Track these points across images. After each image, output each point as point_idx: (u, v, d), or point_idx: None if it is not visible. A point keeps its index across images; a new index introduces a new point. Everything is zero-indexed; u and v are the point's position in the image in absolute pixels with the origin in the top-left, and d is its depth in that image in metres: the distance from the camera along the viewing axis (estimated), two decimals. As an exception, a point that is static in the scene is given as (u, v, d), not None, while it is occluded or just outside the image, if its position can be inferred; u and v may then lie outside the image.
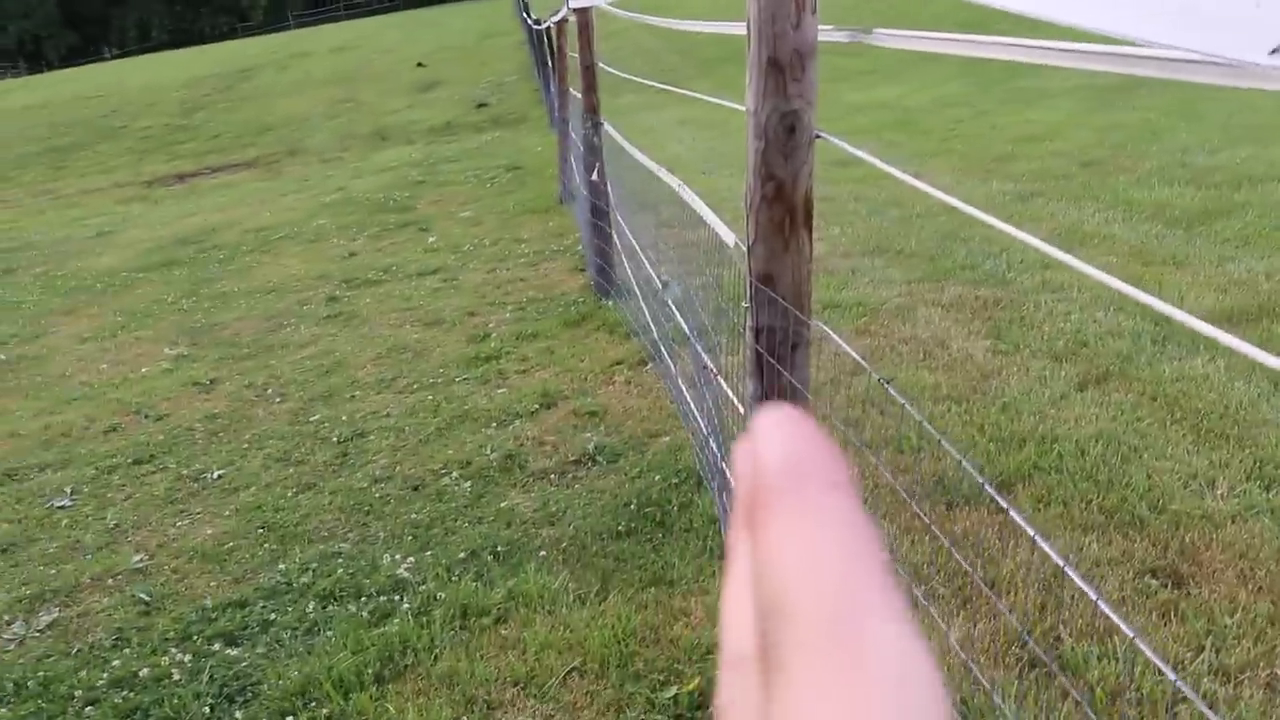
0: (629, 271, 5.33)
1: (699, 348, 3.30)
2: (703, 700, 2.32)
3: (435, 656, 2.68)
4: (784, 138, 1.64)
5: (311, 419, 4.61)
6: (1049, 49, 1.15)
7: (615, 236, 5.59)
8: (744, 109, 1.69)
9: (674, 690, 2.37)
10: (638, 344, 4.90)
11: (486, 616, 2.82)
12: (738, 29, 2.23)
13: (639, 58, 16.47)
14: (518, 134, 14.90)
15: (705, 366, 3.04)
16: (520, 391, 4.57)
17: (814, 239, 1.72)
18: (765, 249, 1.70)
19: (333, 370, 5.22)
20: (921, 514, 2.74)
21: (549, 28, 11.96)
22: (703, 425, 3.30)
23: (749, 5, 1.63)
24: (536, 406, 4.37)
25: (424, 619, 2.84)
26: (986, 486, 1.49)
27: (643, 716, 2.32)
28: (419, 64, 22.41)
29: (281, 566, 3.30)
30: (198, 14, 55.66)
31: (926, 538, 2.87)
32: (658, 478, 3.48)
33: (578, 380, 4.62)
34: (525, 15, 18.64)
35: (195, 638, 2.99)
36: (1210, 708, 2.03)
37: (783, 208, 1.68)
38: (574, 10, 5.22)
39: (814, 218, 1.70)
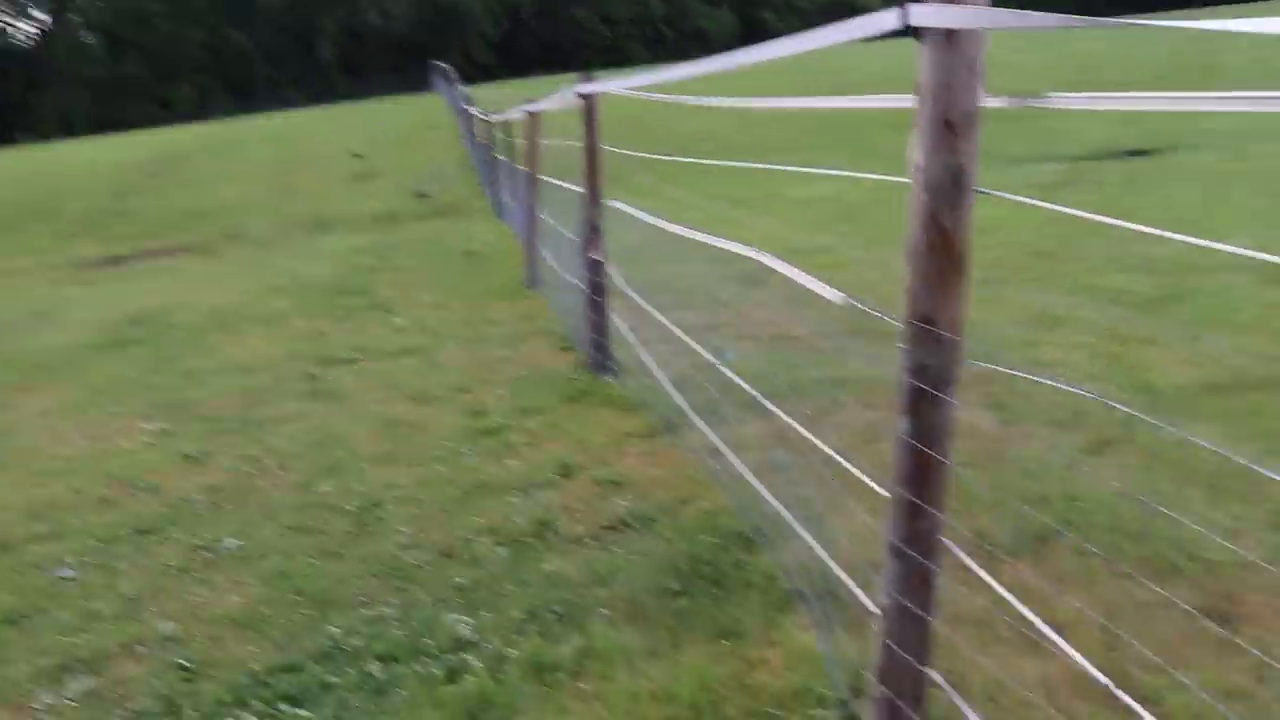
0: (638, 347, 5.45)
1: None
2: (807, 741, 2.39)
3: (518, 710, 2.69)
4: (952, 191, 1.80)
5: (319, 490, 4.58)
6: (1207, 97, 1.31)
7: (613, 315, 5.73)
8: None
9: (775, 732, 2.43)
10: (647, 417, 4.99)
11: (561, 671, 2.84)
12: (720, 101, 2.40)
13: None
14: (463, 223, 15.04)
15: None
16: (534, 463, 4.62)
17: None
18: (927, 292, 1.84)
19: (329, 444, 5.19)
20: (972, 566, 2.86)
21: (502, 121, 12.24)
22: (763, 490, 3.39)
23: (922, 71, 1.79)
24: (555, 476, 4.42)
25: (499, 675, 2.85)
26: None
27: (748, 759, 2.37)
28: (356, 154, 22.52)
29: (328, 630, 3.27)
30: (123, 103, 55.15)
31: (980, 586, 2.99)
32: (703, 538, 3.55)
33: (591, 452, 4.68)
34: (466, 109, 18.95)
35: (253, 700, 2.94)
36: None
37: (947, 254, 1.82)
38: (581, 96, 5.41)
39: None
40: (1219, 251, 6.24)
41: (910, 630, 2.00)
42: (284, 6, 60.83)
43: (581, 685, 2.78)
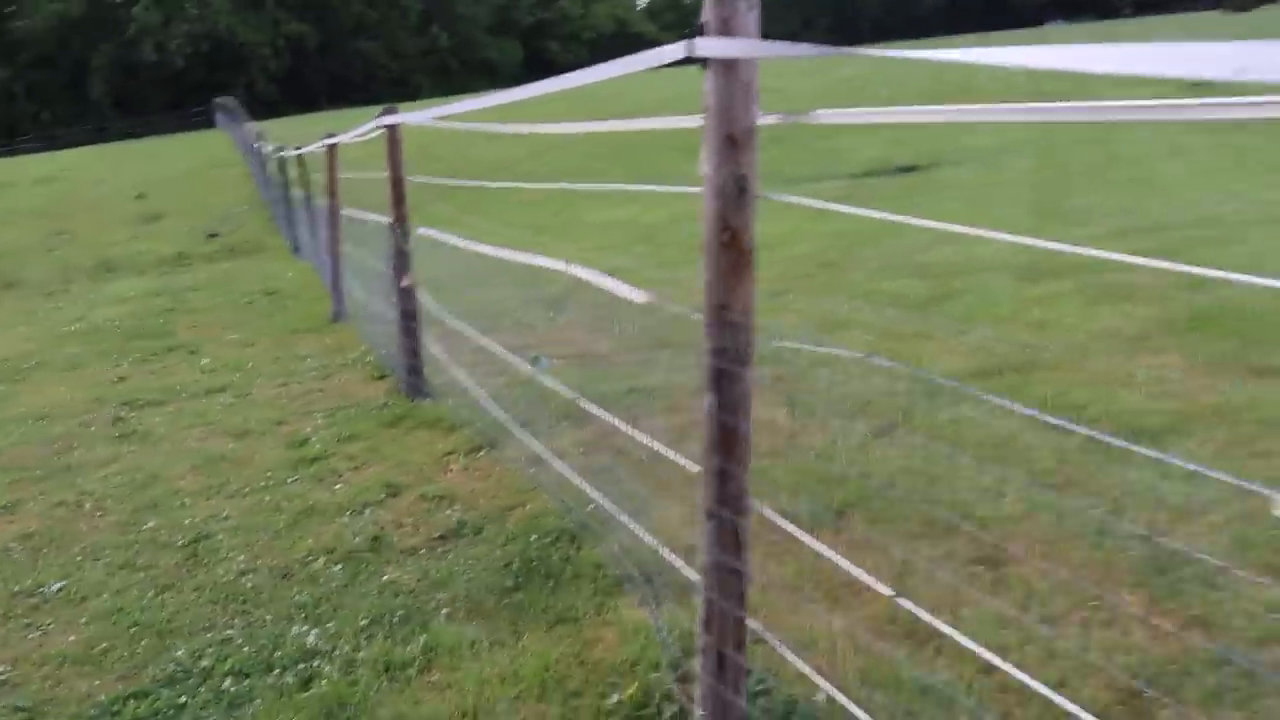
0: (453, 369, 5.61)
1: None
2: (645, 700, 2.64)
3: (373, 705, 2.83)
4: (737, 196, 2.10)
5: (144, 527, 4.54)
6: (989, 109, 1.66)
7: (426, 340, 5.87)
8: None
9: (616, 697, 2.67)
10: (466, 435, 5.16)
11: (411, 667, 3.00)
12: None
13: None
14: (259, 262, 14.72)
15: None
16: (360, 486, 4.72)
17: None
18: (722, 284, 2.14)
19: (148, 484, 5.12)
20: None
21: (298, 156, 12.12)
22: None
23: (707, 95, 2.09)
24: (383, 495, 4.54)
25: (351, 677, 2.98)
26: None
27: (593, 721, 2.60)
28: (139, 195, 21.59)
29: (173, 655, 3.31)
30: None
31: (786, 558, 3.33)
32: (532, 539, 3.77)
33: (414, 471, 4.82)
34: (257, 145, 18.51)
35: (101, 730, 2.96)
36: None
37: (736, 250, 2.12)
38: (384, 127, 5.55)
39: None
40: (980, 255, 6.99)
41: (729, 583, 2.28)
42: (50, 41, 57.42)
43: (431, 677, 2.94)
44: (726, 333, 2.16)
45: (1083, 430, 2.15)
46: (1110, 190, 11.25)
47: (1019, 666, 2.53)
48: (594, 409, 3.70)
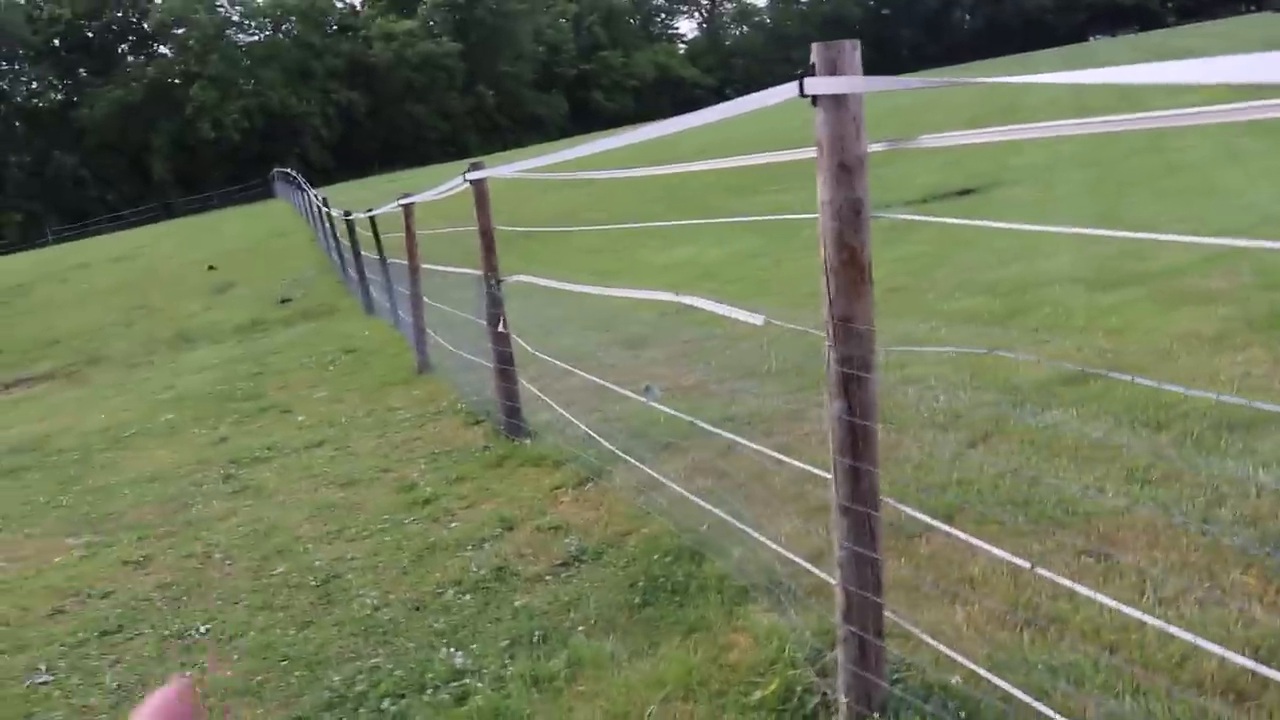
0: (555, 407, 5.86)
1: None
2: (787, 694, 2.81)
3: (530, 714, 3.04)
4: (853, 218, 2.31)
5: (275, 572, 4.81)
6: (1092, 123, 1.86)
7: (522, 381, 6.14)
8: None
9: (759, 694, 2.85)
10: (572, 469, 5.39)
11: (558, 679, 3.20)
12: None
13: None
14: (333, 322, 15.17)
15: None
16: (475, 523, 4.95)
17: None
18: (844, 298, 2.34)
19: (270, 533, 5.41)
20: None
21: (371, 218, 12.56)
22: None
23: (818, 128, 2.31)
24: (500, 530, 4.77)
25: (503, 691, 3.19)
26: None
27: (740, 717, 2.78)
28: (210, 267, 22.33)
29: (327, 683, 3.55)
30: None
31: (902, 559, 3.49)
32: (654, 558, 3.97)
33: (526, 506, 5.05)
34: (325, 210, 19.09)
35: (273, 751, 3.20)
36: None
37: (856, 268, 2.33)
38: (470, 182, 5.85)
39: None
40: (1049, 269, 7.12)
41: (865, 572, 2.46)
42: (112, 126, 59.56)
43: (579, 687, 3.14)
44: (853, 342, 2.36)
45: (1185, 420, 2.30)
46: (1170, 198, 11.28)
47: (1140, 645, 2.68)
48: (710, 430, 3.90)
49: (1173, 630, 2.10)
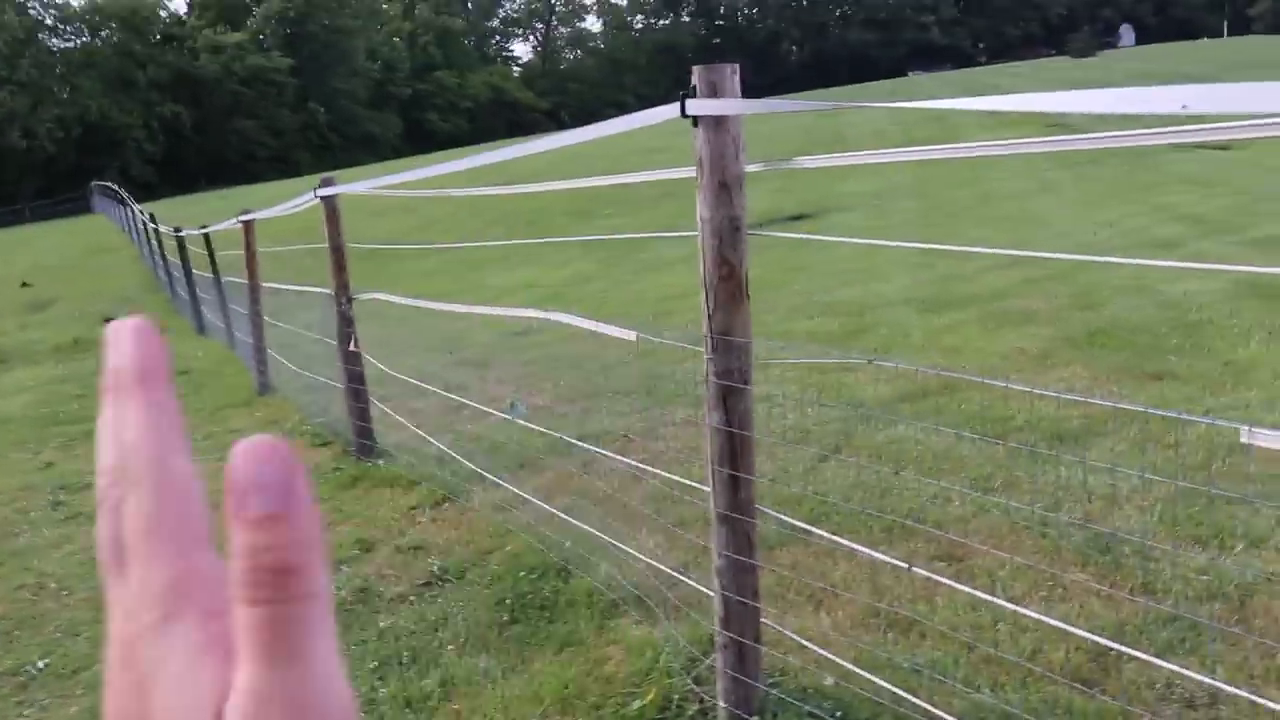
0: (409, 427, 5.77)
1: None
2: (665, 705, 2.86)
3: (402, 736, 2.99)
4: (732, 235, 2.40)
5: (117, 603, 4.56)
6: (989, 146, 1.99)
7: (374, 400, 6.03)
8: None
9: (637, 703, 2.89)
10: (427, 489, 5.32)
11: (431, 699, 3.16)
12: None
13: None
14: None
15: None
16: (333, 545, 4.83)
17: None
18: (723, 313, 2.42)
19: (108, 561, 5.13)
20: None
21: (204, 236, 12.10)
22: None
23: (699, 147, 2.39)
24: (357, 552, 4.66)
25: (375, 714, 3.13)
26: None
27: (619, 728, 2.81)
28: (24, 284, 21.01)
29: (184, 715, 3.39)
30: None
31: (766, 569, 3.60)
32: (520, 574, 3.96)
33: (383, 527, 4.95)
34: (153, 226, 18.23)
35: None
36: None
37: (734, 283, 2.42)
38: (321, 198, 5.74)
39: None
40: (883, 292, 7.45)
41: (743, 580, 2.54)
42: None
43: (454, 706, 3.11)
44: (731, 354, 2.44)
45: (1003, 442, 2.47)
46: (993, 225, 11.98)
47: (994, 643, 2.85)
48: (574, 446, 3.93)
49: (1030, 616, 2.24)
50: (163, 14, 72.36)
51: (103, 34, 66.80)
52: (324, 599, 0.27)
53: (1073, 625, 2.94)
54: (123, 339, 0.32)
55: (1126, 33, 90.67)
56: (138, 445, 0.30)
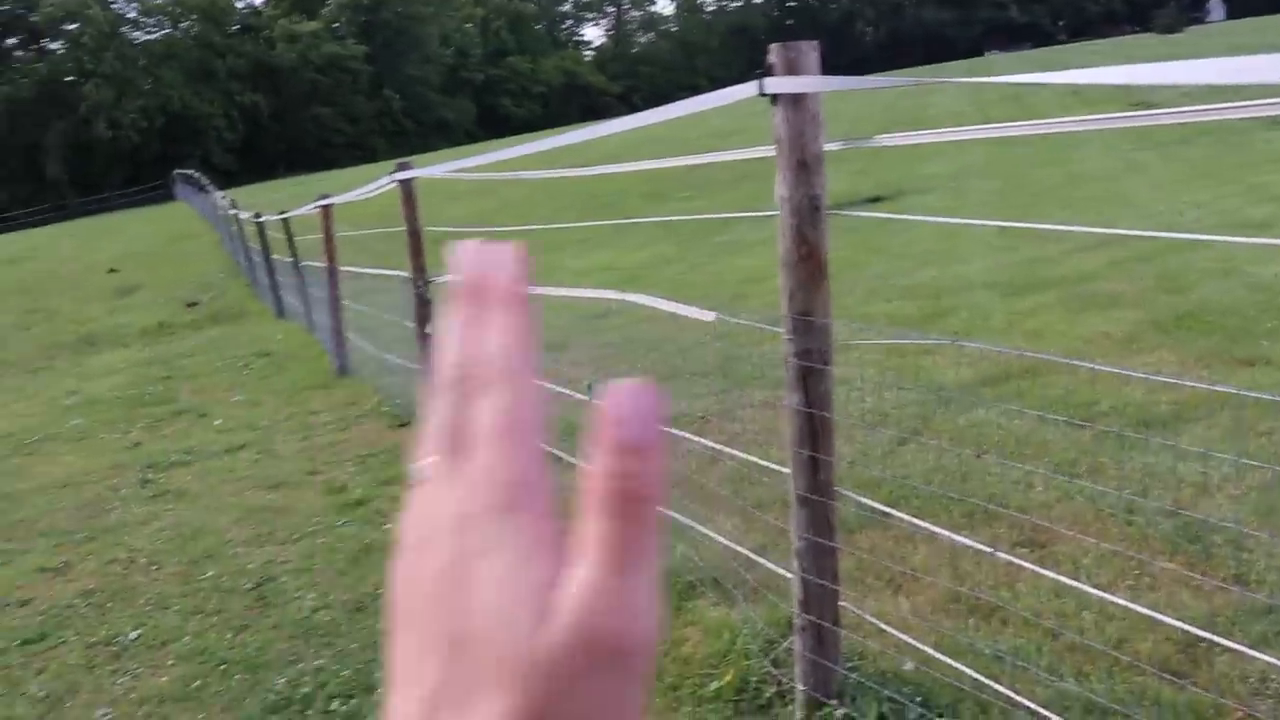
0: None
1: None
2: (742, 686, 2.86)
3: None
4: (811, 214, 2.37)
5: (205, 576, 4.70)
6: (1015, 126, 1.94)
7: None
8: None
9: (715, 684, 2.89)
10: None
11: (509, 676, 3.20)
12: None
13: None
14: (245, 326, 14.84)
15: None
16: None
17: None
18: (803, 293, 2.40)
19: (196, 536, 5.28)
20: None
21: (284, 221, 12.33)
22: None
23: (777, 126, 2.36)
24: (435, 531, 4.73)
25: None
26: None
27: (698, 709, 2.82)
28: (111, 269, 21.65)
29: (271, 686, 3.48)
30: None
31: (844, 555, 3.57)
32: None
33: (460, 506, 5.02)
34: (233, 213, 18.65)
35: (217, 757, 3.13)
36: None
37: (814, 263, 2.39)
38: (398, 182, 5.81)
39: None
40: (963, 274, 7.31)
41: (824, 562, 2.52)
42: (1, 123, 57.30)
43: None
44: (811, 335, 2.42)
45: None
46: (1077, 207, 11.70)
47: (1078, 631, 2.79)
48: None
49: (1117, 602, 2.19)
50: (240, 4, 73.77)
51: (183, 25, 68.28)
52: (659, 529, 0.31)
53: (1161, 614, 2.88)
54: (497, 258, 0.35)
55: (1216, 6, 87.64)
56: (502, 352, 0.33)
